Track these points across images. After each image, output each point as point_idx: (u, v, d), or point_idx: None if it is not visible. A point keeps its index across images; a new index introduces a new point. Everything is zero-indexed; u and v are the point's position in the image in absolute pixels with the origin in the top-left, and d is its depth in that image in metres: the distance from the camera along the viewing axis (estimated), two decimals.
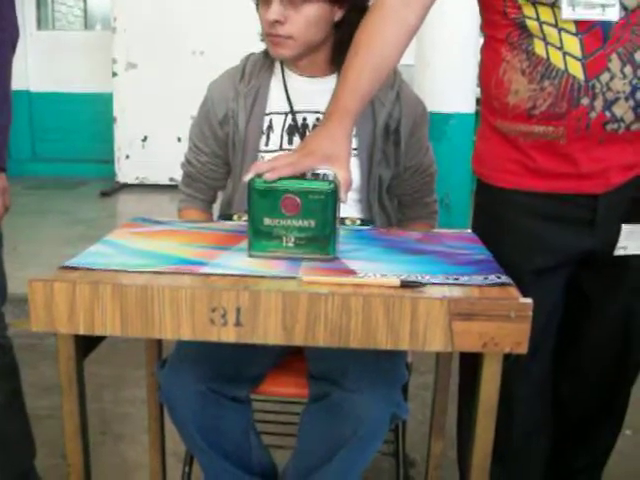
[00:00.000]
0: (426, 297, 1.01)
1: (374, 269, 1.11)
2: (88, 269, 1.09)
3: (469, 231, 1.44)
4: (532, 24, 1.30)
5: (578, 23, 1.25)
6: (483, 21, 1.42)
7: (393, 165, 1.57)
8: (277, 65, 1.60)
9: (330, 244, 1.17)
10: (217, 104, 1.59)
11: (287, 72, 1.59)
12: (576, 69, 1.27)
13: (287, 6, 1.44)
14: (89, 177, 6.24)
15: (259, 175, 1.16)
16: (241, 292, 1.01)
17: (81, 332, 1.06)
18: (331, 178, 1.17)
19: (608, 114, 1.27)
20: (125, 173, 6.00)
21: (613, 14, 1.23)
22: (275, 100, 1.58)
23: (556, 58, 1.28)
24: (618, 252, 1.39)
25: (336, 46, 1.53)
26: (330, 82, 1.54)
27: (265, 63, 1.60)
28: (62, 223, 4.37)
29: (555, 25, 1.27)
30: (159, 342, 1.62)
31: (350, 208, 1.55)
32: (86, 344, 1.16)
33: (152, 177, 5.85)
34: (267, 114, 1.57)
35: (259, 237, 1.17)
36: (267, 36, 1.50)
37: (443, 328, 1.01)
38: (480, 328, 1.01)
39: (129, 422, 2.41)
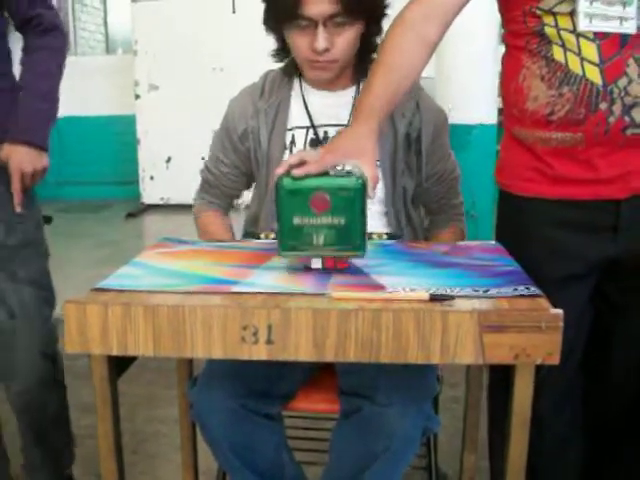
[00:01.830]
0: (456, 310, 1.01)
1: (403, 283, 1.11)
2: (119, 290, 1.11)
3: (495, 242, 1.43)
4: (551, 31, 1.30)
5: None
6: (504, 31, 1.43)
7: (415, 174, 1.58)
8: (295, 80, 1.62)
9: (360, 241, 1.16)
10: (237, 120, 1.62)
11: (305, 87, 1.60)
12: (594, 74, 1.27)
13: (332, 32, 1.45)
14: (114, 199, 6.31)
15: (286, 174, 1.16)
16: (272, 310, 1.01)
17: (114, 353, 1.07)
18: (357, 174, 1.16)
19: (627, 119, 1.27)
20: (150, 194, 6.06)
21: (631, 27, 1.25)
22: (296, 115, 1.60)
23: (574, 64, 1.29)
24: None
25: (356, 59, 1.55)
26: (349, 94, 1.57)
27: (284, 79, 1.62)
28: (90, 245, 4.43)
29: (573, 32, 1.28)
30: (190, 361, 1.63)
31: (377, 222, 1.56)
32: (119, 364, 1.17)
33: (176, 197, 5.90)
34: (289, 129, 1.59)
35: (289, 237, 1.16)
36: (309, 62, 1.50)
37: (474, 341, 1.00)
38: (511, 340, 1.00)
39: (161, 441, 2.42)
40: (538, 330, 1.00)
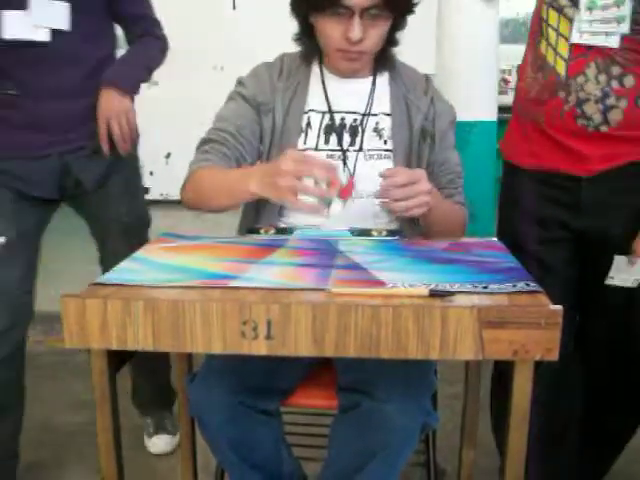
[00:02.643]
0: (455, 306, 1.01)
1: (402, 279, 1.11)
2: (119, 285, 1.11)
3: (495, 239, 1.44)
4: (544, 27, 1.59)
5: None
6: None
7: (424, 166, 1.58)
8: (315, 65, 1.62)
9: None
10: (255, 89, 1.59)
11: (325, 73, 1.61)
12: (560, 67, 1.56)
13: (367, 23, 1.44)
14: None
15: None
16: (271, 305, 1.01)
17: (114, 347, 1.07)
18: None
19: (579, 110, 1.55)
20: (149, 189, 6.06)
21: (614, 42, 1.49)
22: (314, 99, 1.60)
23: (550, 56, 1.58)
24: (607, 281, 1.60)
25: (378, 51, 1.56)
26: (367, 83, 1.59)
27: (302, 62, 1.62)
28: (90, 241, 4.40)
29: (556, 29, 1.56)
30: (189, 356, 1.63)
31: (385, 218, 1.57)
32: (118, 359, 1.17)
33: (176, 193, 5.83)
34: (306, 112, 1.58)
35: None
36: (339, 51, 1.50)
37: (473, 336, 1.00)
38: (510, 336, 1.00)
39: None
40: (537, 326, 1.00)
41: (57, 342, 1.12)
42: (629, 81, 1.51)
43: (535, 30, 1.62)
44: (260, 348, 1.03)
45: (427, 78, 1.63)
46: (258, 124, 1.59)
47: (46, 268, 2.57)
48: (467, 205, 1.64)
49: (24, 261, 1.94)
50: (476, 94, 2.54)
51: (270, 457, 1.47)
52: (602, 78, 1.52)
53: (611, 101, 1.52)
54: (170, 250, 1.33)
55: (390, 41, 1.57)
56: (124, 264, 1.23)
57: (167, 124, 5.85)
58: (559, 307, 1.00)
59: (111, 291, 1.08)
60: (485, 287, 1.08)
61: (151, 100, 6.38)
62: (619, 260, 1.60)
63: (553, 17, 1.55)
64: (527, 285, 1.09)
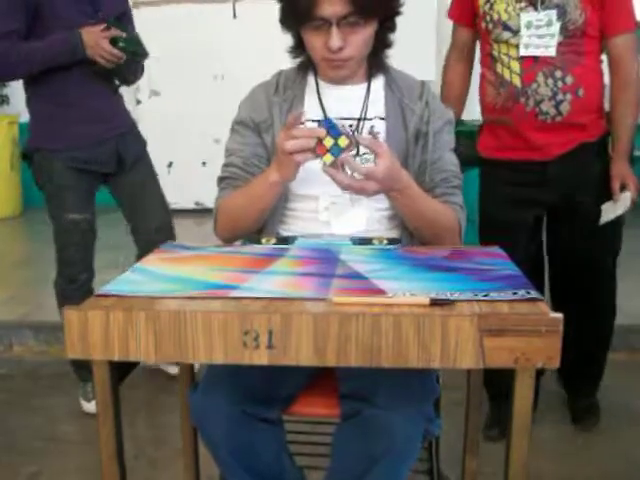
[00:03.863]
0: (456, 314, 1.01)
1: (403, 288, 1.12)
2: (121, 296, 1.11)
3: (495, 247, 1.44)
4: (496, 55, 2.12)
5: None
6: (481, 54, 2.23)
7: (417, 168, 1.58)
8: (310, 76, 1.64)
9: None
10: (252, 112, 1.63)
11: (320, 82, 1.63)
12: (516, 80, 2.08)
13: (346, 31, 1.47)
14: (115, 204, 6.30)
15: None
16: (273, 315, 1.02)
17: (116, 358, 1.07)
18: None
19: (537, 109, 2.07)
20: None
21: (552, 51, 2.04)
22: (309, 109, 1.61)
23: (506, 74, 2.10)
24: (601, 222, 2.16)
25: (369, 55, 1.58)
26: (361, 89, 1.60)
27: (298, 76, 1.65)
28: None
29: (507, 54, 2.10)
30: (191, 366, 1.64)
31: (383, 225, 1.57)
32: (121, 370, 1.17)
33: (178, 202, 5.90)
34: (302, 122, 1.59)
35: None
36: (324, 61, 1.53)
37: (474, 345, 1.01)
38: (511, 344, 1.01)
39: (163, 446, 2.42)
40: (538, 334, 1.00)
41: (59, 352, 1.12)
42: (570, 79, 2.05)
43: (487, 61, 2.17)
44: (261, 358, 1.04)
45: (422, 83, 1.64)
46: (262, 145, 1.62)
47: (50, 279, 2.59)
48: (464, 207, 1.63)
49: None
50: (474, 99, 2.55)
51: (272, 466, 1.47)
52: (550, 81, 2.05)
53: (560, 97, 2.05)
54: (171, 261, 1.34)
55: (383, 43, 1.59)
56: (126, 275, 1.24)
57: (169, 133, 5.87)
58: (559, 315, 1.01)
59: (113, 302, 1.08)
60: (485, 295, 1.09)
61: (153, 110, 6.44)
62: (606, 206, 2.14)
63: (503, 47, 2.10)
64: (527, 293, 1.10)
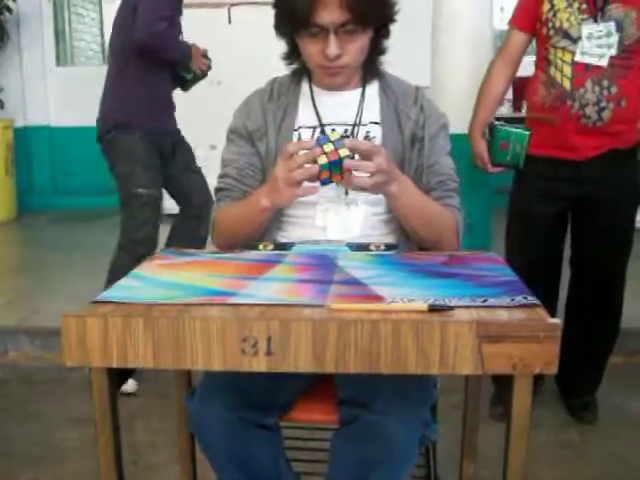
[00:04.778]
0: (455, 320, 1.01)
1: (401, 294, 1.12)
2: (119, 303, 1.11)
3: (493, 253, 1.44)
4: (552, 58, 2.31)
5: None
6: (535, 58, 2.42)
7: (414, 172, 1.59)
8: (304, 82, 1.65)
9: None
10: (246, 120, 1.63)
11: (314, 88, 1.63)
12: (566, 84, 2.28)
13: (343, 38, 1.47)
14: (110, 209, 6.29)
15: None
16: (271, 321, 1.02)
17: (114, 365, 1.07)
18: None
19: (581, 112, 2.25)
20: None
21: (604, 62, 2.22)
22: (304, 116, 1.62)
23: (558, 76, 2.30)
24: None
25: (364, 61, 1.58)
26: (356, 95, 1.61)
27: (292, 83, 1.65)
28: (86, 255, 4.42)
29: (562, 59, 2.29)
30: (188, 372, 1.63)
31: (380, 230, 1.57)
32: (118, 376, 1.17)
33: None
34: (296, 129, 1.60)
35: None
36: (321, 68, 1.54)
37: (473, 351, 1.01)
38: (509, 350, 1.01)
39: (160, 452, 2.42)
40: (536, 340, 1.00)
41: (56, 358, 1.12)
42: (614, 89, 2.23)
43: (542, 64, 2.35)
44: (260, 365, 1.04)
45: (417, 88, 1.64)
46: (256, 154, 1.63)
47: (46, 285, 2.58)
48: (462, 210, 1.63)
49: None
50: (470, 106, 2.55)
51: (269, 472, 1.47)
52: (596, 89, 2.23)
53: (603, 104, 2.23)
54: (169, 267, 1.33)
55: (377, 50, 1.60)
56: (124, 281, 1.24)
57: None
58: (557, 321, 1.01)
59: (111, 309, 1.08)
60: (484, 301, 1.09)
61: None
62: None
63: (559, 52, 2.29)
64: (525, 299, 1.10)
